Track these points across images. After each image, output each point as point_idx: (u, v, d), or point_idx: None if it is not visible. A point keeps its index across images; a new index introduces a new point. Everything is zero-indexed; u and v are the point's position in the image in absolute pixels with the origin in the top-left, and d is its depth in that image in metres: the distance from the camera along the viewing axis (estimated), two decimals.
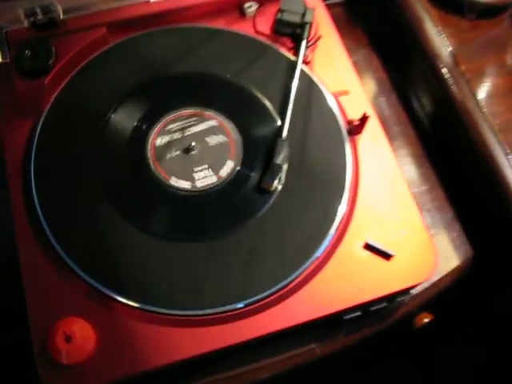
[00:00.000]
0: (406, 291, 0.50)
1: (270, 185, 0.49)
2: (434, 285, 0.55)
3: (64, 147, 0.50)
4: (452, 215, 0.58)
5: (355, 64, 0.60)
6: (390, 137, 0.59)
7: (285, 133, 0.50)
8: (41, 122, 0.50)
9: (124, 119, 0.51)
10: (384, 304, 0.50)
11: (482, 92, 0.56)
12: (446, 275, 0.55)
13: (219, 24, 0.57)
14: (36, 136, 0.50)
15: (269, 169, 0.49)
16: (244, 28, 0.57)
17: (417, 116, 0.62)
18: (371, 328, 0.53)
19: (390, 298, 0.50)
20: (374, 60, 0.64)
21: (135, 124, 0.51)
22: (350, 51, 0.60)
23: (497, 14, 0.60)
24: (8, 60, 0.52)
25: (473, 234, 0.57)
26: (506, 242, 0.55)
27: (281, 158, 0.49)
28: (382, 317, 0.53)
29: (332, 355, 0.53)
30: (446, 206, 0.58)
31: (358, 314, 0.49)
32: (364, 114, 0.51)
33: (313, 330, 0.51)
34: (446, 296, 0.57)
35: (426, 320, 0.58)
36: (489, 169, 0.54)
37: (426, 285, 0.54)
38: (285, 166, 0.49)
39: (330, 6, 0.63)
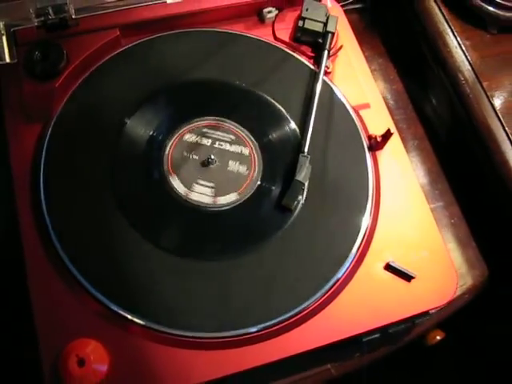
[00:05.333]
0: (426, 313, 0.49)
1: (291, 203, 0.47)
2: (449, 304, 0.54)
3: (75, 156, 0.48)
4: (468, 232, 0.57)
5: (372, 73, 0.59)
6: (407, 151, 0.58)
7: (306, 148, 0.48)
8: (50, 128, 0.48)
9: (139, 127, 0.49)
10: (403, 326, 0.49)
11: (504, 109, 0.55)
12: (462, 294, 0.55)
13: (237, 29, 0.54)
14: (45, 143, 0.47)
15: (290, 186, 0.47)
16: (263, 34, 0.54)
17: (434, 130, 0.60)
18: (387, 348, 0.52)
19: (410, 319, 0.49)
20: (390, 70, 0.62)
21: (151, 132, 0.49)
22: (367, 60, 0.59)
23: None
24: (16, 60, 0.49)
25: (488, 253, 0.56)
26: None
27: (303, 174, 0.47)
28: (399, 337, 0.52)
29: (345, 375, 0.52)
30: (461, 223, 0.57)
31: (377, 335, 0.48)
32: (388, 131, 0.49)
33: (330, 350, 0.50)
34: (459, 314, 0.56)
35: (439, 338, 0.57)
36: (508, 188, 0.53)
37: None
38: (306, 183, 0.47)
39: (345, 12, 0.61)
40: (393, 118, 0.59)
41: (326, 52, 0.52)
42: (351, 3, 0.62)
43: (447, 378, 0.70)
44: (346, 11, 0.60)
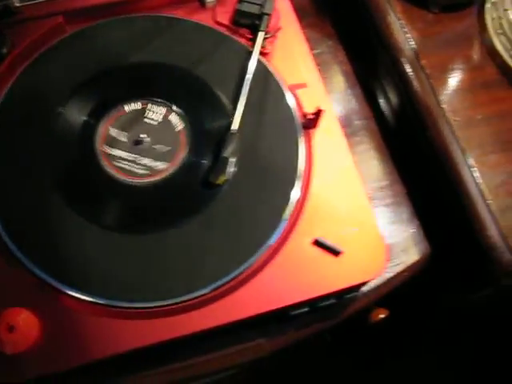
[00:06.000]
0: (355, 289, 0.50)
1: (216, 178, 0.48)
2: (389, 281, 0.55)
3: (16, 138, 0.50)
4: (411, 211, 0.57)
5: (321, 55, 0.60)
6: (353, 130, 0.59)
7: (235, 126, 0.50)
8: None
9: (75, 111, 0.51)
10: (332, 301, 0.50)
11: (444, 87, 0.55)
12: (403, 271, 0.55)
13: (179, 14, 0.56)
14: None
15: (216, 162, 0.49)
16: (203, 18, 0.56)
17: (381, 111, 0.61)
18: (322, 324, 0.53)
19: (339, 294, 0.50)
20: (340, 52, 0.63)
21: (86, 115, 0.51)
22: (317, 42, 0.60)
23: (462, 8, 0.59)
24: None
25: (431, 231, 0.57)
26: (461, 239, 0.55)
27: (229, 151, 0.49)
28: (333, 313, 0.53)
29: (283, 350, 0.53)
30: (405, 202, 0.58)
31: (306, 309, 0.50)
32: (318, 108, 0.50)
33: (261, 324, 0.51)
34: (403, 292, 0.57)
35: (382, 316, 0.58)
36: (446, 166, 0.53)
37: (380, 281, 0.54)
38: (233, 160, 0.49)
39: None
40: (340, 99, 0.60)
41: (261, 33, 0.53)
42: None
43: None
44: None
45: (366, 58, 0.62)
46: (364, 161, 0.58)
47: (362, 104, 0.61)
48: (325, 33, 0.63)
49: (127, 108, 0.51)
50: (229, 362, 0.51)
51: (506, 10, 0.57)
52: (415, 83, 0.55)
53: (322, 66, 0.60)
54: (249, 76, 0.52)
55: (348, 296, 0.51)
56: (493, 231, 0.51)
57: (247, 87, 0.51)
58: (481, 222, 0.51)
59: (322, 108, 0.51)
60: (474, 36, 0.58)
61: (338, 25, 0.64)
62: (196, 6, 0.57)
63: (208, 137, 0.51)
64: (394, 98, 0.60)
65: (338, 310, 0.53)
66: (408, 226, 0.57)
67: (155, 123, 0.51)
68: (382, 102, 0.61)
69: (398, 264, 0.55)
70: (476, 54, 0.57)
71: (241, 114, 0.50)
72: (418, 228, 0.57)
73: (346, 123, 0.59)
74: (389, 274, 0.54)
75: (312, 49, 0.58)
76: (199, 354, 0.50)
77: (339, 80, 0.62)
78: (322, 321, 0.53)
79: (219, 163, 0.49)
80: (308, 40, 0.58)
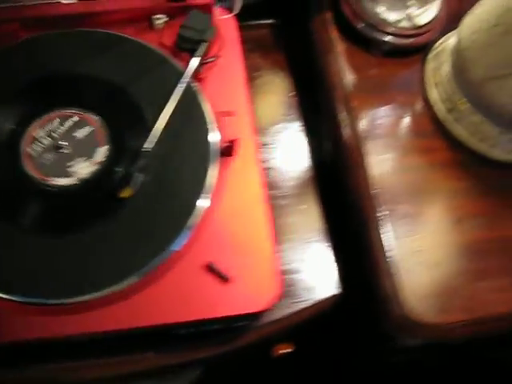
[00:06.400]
0: (244, 318, 0.51)
1: (120, 191, 0.50)
2: (289, 316, 0.55)
3: None
4: (325, 251, 0.57)
5: (266, 84, 0.61)
6: (280, 161, 0.60)
7: (148, 144, 0.51)
8: None
9: (3, 119, 0.54)
10: (218, 326, 0.51)
11: (370, 132, 0.55)
12: (306, 308, 0.55)
13: (128, 33, 0.58)
14: None
15: (123, 176, 0.51)
16: (150, 39, 0.58)
17: (315, 144, 0.61)
18: (213, 348, 0.54)
19: (226, 322, 0.50)
20: (286, 83, 0.64)
21: (11, 124, 0.53)
22: (266, 72, 0.61)
23: (407, 55, 0.59)
24: None
25: (346, 274, 0.57)
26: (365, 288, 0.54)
27: (138, 167, 0.51)
28: (225, 340, 0.54)
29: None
30: (321, 239, 0.58)
31: (192, 330, 0.51)
32: (234, 138, 0.52)
33: (152, 338, 0.52)
34: (309, 329, 0.57)
35: (285, 351, 0.58)
36: (359, 213, 0.53)
37: (278, 316, 0.54)
38: (140, 175, 0.51)
39: (256, 27, 0.64)
40: (275, 130, 0.61)
41: (194, 58, 0.55)
42: (263, 19, 0.64)
43: None
44: (255, 26, 0.64)
45: (308, 92, 0.63)
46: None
47: (297, 136, 0.61)
48: (277, 64, 0.64)
49: (55, 115, 0.54)
50: (113, 370, 0.53)
51: (443, 62, 0.56)
52: (342, 123, 0.55)
53: (265, 94, 0.61)
54: (174, 97, 0.54)
55: (238, 325, 0.52)
56: (388, 283, 0.50)
57: (170, 108, 0.53)
58: (379, 272, 0.51)
59: (237, 138, 0.52)
60: (413, 84, 0.58)
61: (291, 57, 0.65)
62: (146, 26, 0.59)
63: (126, 151, 0.53)
64: (326, 138, 0.60)
65: (230, 337, 0.54)
66: (320, 265, 0.57)
67: (80, 133, 0.53)
68: (315, 135, 0.62)
69: (303, 301, 0.55)
70: (412, 102, 0.57)
71: (158, 133, 0.52)
72: (331, 268, 0.56)
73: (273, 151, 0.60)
74: (290, 309, 0.54)
75: (255, 78, 0.59)
76: (82, 358, 0.52)
77: (278, 110, 0.62)
78: (214, 346, 0.54)
79: (126, 177, 0.51)
80: (256, 69, 0.59)
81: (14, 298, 0.48)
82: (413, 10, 0.55)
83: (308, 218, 0.58)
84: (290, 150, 0.61)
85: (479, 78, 0.50)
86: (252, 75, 0.63)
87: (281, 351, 0.58)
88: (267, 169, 0.60)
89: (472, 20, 0.51)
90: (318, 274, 0.57)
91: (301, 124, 0.62)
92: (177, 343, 0.53)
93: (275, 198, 0.58)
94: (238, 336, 0.53)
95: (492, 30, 0.48)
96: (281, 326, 0.55)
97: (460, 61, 0.52)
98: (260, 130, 0.61)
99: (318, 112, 0.61)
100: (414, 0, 0.54)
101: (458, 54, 0.52)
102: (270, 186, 0.59)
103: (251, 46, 0.64)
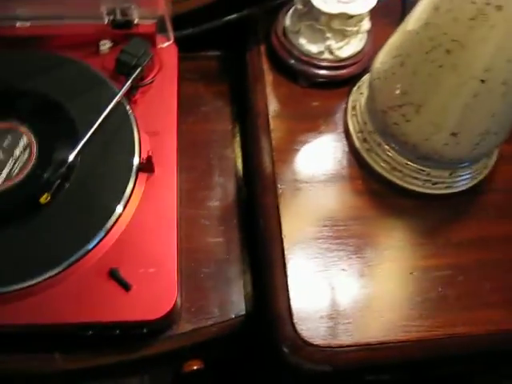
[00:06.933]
0: (143, 325, 0.53)
1: (40, 196, 0.54)
2: (190, 333, 0.56)
3: None
4: (237, 272, 0.59)
5: (206, 115, 0.65)
6: (211, 185, 0.63)
7: (71, 156, 0.55)
8: None
9: None
10: (120, 332, 0.53)
11: (285, 157, 0.57)
12: (210, 326, 0.57)
13: (76, 56, 0.63)
14: None
15: (44, 183, 0.55)
16: (94, 62, 0.63)
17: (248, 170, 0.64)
18: (117, 356, 0.55)
19: (126, 327, 0.53)
20: (225, 111, 0.67)
21: None
22: (206, 101, 0.65)
23: (335, 87, 0.61)
24: None
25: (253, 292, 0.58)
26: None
27: (56, 176, 0.54)
28: (128, 349, 0.56)
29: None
30: (235, 262, 0.60)
31: (90, 333, 0.53)
32: (148, 157, 0.55)
33: (59, 339, 0.55)
34: (216, 346, 0.58)
35: (195, 367, 0.59)
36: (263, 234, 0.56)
37: (179, 331, 0.56)
38: (56, 183, 0.54)
39: (205, 58, 0.69)
40: (207, 155, 0.64)
41: (128, 81, 0.59)
42: (208, 51, 0.69)
43: None
44: (204, 57, 0.68)
45: (243, 119, 0.66)
46: (209, 217, 0.61)
47: (228, 163, 0.64)
48: (218, 93, 0.68)
49: None
50: (17, 368, 0.55)
51: (361, 93, 0.58)
52: (262, 148, 0.58)
53: (207, 122, 0.65)
54: (103, 115, 0.57)
55: (137, 332, 0.54)
56: (281, 303, 0.51)
57: (95, 125, 0.57)
58: (276, 291, 0.52)
59: (151, 154, 0.55)
60: (336, 114, 0.60)
61: (232, 86, 0.69)
62: (93, 51, 0.64)
63: (53, 162, 0.57)
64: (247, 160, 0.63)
65: (137, 346, 0.55)
66: (232, 285, 0.59)
67: (14, 142, 0.58)
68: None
69: (210, 317, 0.57)
70: (331, 132, 0.59)
71: (80, 147, 0.56)
72: (240, 289, 0.58)
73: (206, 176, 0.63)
74: (191, 325, 0.56)
75: (198, 106, 0.63)
76: None
77: (214, 138, 0.66)
78: (118, 353, 0.55)
79: (47, 184, 0.54)
80: (200, 97, 0.63)
81: None
82: (331, 43, 0.58)
83: (226, 240, 0.60)
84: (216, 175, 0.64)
85: (383, 106, 0.53)
86: (195, 103, 0.67)
87: (190, 367, 0.59)
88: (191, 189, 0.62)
89: (382, 51, 0.54)
90: (228, 293, 0.58)
91: (231, 150, 0.65)
92: (84, 348, 0.55)
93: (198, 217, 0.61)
94: (144, 345, 0.55)
95: (392, 60, 0.51)
96: (187, 340, 0.56)
97: (370, 91, 0.55)
98: (193, 153, 0.64)
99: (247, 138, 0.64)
100: (331, 34, 0.57)
101: (370, 84, 0.55)
102: (196, 204, 0.62)
103: (197, 76, 0.68)
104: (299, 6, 0.57)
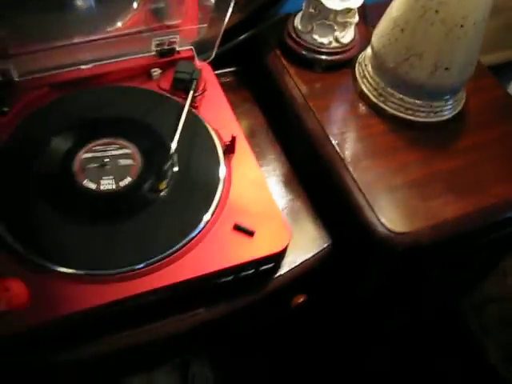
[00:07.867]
0: (267, 261, 0.67)
1: (159, 184, 0.67)
2: (298, 266, 0.71)
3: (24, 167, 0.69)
4: (311, 212, 0.76)
5: (241, 114, 0.81)
6: (266, 162, 0.79)
7: (173, 147, 0.69)
8: None
9: (62, 145, 0.70)
10: (252, 270, 0.66)
11: (327, 119, 0.76)
12: (308, 259, 0.72)
13: (133, 84, 0.78)
14: None
15: (159, 175, 0.68)
16: (151, 86, 0.78)
17: (288, 148, 0.82)
18: (248, 297, 0.68)
19: (255, 264, 0.66)
20: (255, 110, 0.86)
21: (69, 148, 0.70)
22: (237, 105, 0.82)
23: (339, 69, 0.82)
24: None
25: (330, 229, 0.75)
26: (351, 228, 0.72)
27: (167, 166, 0.68)
28: (255, 286, 0.69)
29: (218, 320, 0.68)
30: (309, 210, 0.77)
31: (231, 277, 0.65)
32: (232, 135, 0.70)
33: (198, 297, 0.66)
34: (314, 278, 0.73)
35: (301, 300, 0.73)
36: (332, 173, 0.73)
37: (292, 265, 0.71)
38: (169, 173, 0.68)
39: (224, 75, 0.86)
40: (256, 141, 0.81)
41: (191, 92, 0.75)
42: (227, 67, 0.87)
43: None
44: (222, 74, 0.86)
45: (274, 111, 0.84)
46: (275, 184, 0.79)
47: (273, 144, 0.82)
48: (244, 99, 0.87)
49: (101, 142, 0.71)
50: (169, 330, 0.66)
51: (366, 65, 0.80)
52: (305, 118, 0.76)
53: (245, 120, 0.82)
54: (183, 118, 0.72)
55: (264, 268, 0.67)
56: (369, 213, 0.69)
57: (181, 124, 0.71)
58: (359, 207, 0.70)
59: (235, 135, 0.71)
60: (348, 86, 0.81)
61: (254, 91, 0.88)
62: (145, 79, 0.79)
63: (153, 163, 0.70)
64: (295, 135, 0.80)
65: (259, 284, 0.69)
66: (310, 226, 0.75)
67: (118, 152, 0.70)
68: (288, 141, 0.82)
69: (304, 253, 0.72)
70: (350, 97, 0.80)
71: (177, 141, 0.70)
72: (320, 227, 0.75)
73: (261, 157, 0.79)
74: (300, 259, 0.71)
75: (235, 108, 0.80)
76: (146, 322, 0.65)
77: (255, 129, 0.83)
78: (247, 293, 0.68)
79: (161, 175, 0.68)
80: (231, 102, 0.80)
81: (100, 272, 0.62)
82: (337, 34, 0.80)
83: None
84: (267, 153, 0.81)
85: (393, 63, 0.74)
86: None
87: (297, 300, 0.73)
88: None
89: (378, 30, 0.76)
90: (309, 232, 0.75)
91: (272, 135, 0.83)
92: (218, 298, 0.67)
93: None
94: (264, 285, 0.69)
95: (392, 31, 0.73)
96: (294, 274, 0.71)
97: (377, 59, 0.76)
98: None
99: (282, 123, 0.83)
100: (337, 26, 0.78)
101: (375, 54, 0.76)
102: None
103: (223, 88, 0.85)
104: (311, 10, 0.77)
